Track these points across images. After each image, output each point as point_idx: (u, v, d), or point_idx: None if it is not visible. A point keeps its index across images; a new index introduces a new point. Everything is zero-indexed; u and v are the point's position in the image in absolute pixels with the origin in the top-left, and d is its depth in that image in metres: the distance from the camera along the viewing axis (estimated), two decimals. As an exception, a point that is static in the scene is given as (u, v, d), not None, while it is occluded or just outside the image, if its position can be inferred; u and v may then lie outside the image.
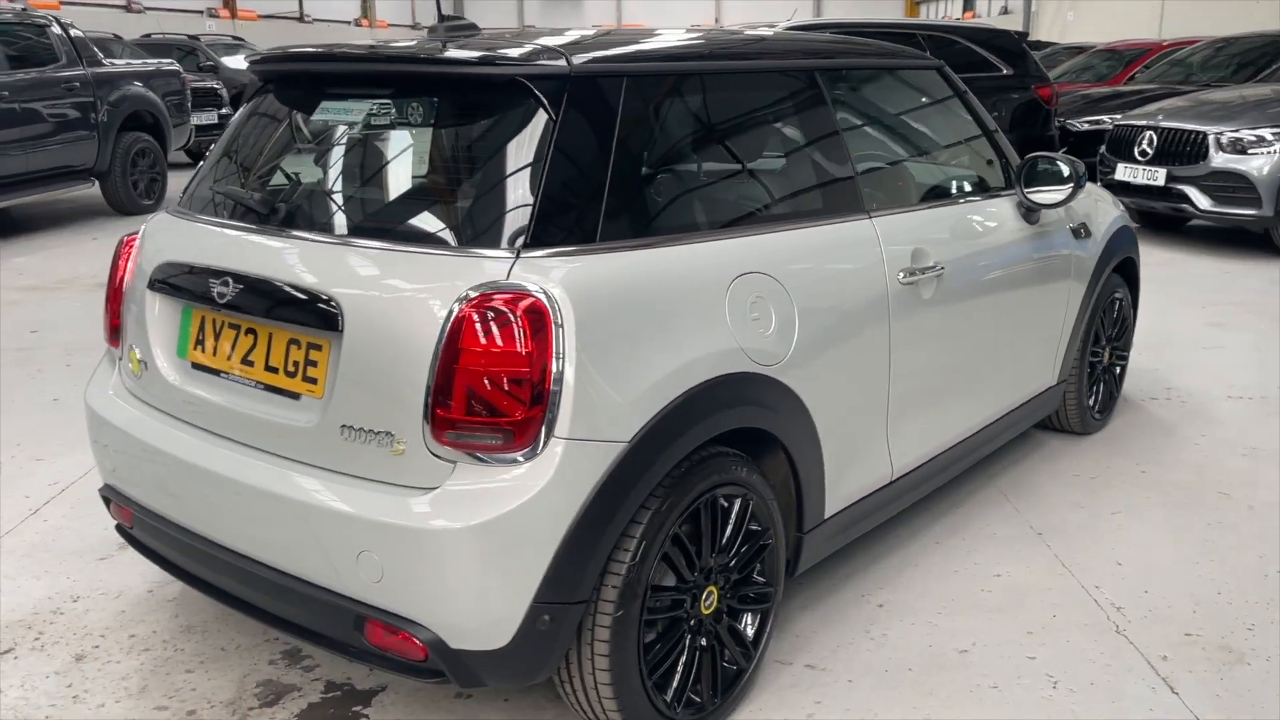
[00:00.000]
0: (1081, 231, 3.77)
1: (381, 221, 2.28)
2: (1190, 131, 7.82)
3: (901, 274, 2.79)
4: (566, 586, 2.03)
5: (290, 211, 2.38)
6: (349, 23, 30.17)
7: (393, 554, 2.03)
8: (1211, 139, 7.69)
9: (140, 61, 11.35)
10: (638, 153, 2.29)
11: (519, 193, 2.13)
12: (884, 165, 3.03)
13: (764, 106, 2.68)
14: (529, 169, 2.14)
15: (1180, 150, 7.83)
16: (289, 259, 2.24)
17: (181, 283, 2.44)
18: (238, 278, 2.27)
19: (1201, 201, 7.78)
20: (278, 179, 2.52)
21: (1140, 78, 12.12)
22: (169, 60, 12.08)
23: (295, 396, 2.24)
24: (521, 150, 2.16)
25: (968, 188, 3.31)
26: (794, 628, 2.80)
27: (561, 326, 1.99)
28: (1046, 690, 2.53)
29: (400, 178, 2.35)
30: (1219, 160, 7.66)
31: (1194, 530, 3.37)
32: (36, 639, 2.81)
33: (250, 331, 2.33)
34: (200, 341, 2.44)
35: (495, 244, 2.09)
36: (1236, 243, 8.28)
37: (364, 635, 2.13)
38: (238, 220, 2.44)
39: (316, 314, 2.15)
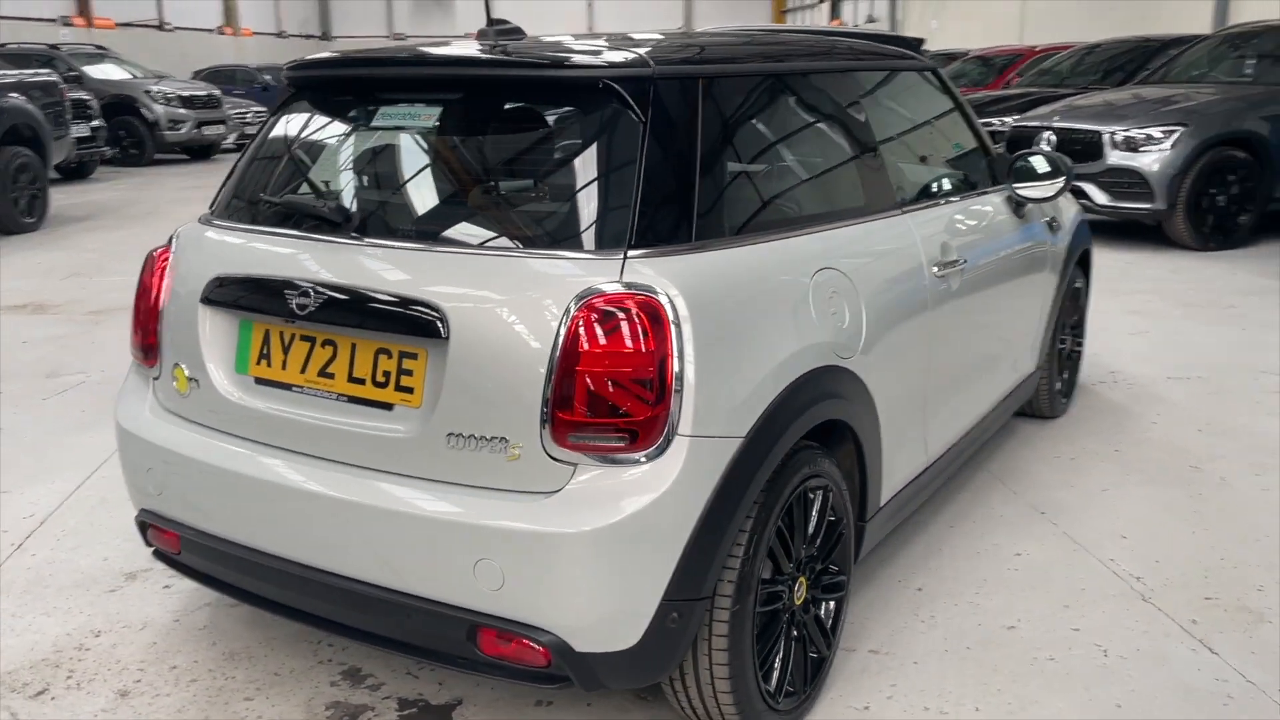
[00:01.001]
0: (1053, 225, 3.97)
1: (478, 227, 2.24)
2: (1086, 131, 8.26)
3: (935, 267, 2.90)
4: (693, 583, 2.05)
5: (370, 219, 2.32)
6: (212, 30, 29.13)
7: (517, 560, 2.01)
8: (1106, 138, 8.14)
9: (16, 72, 10.74)
10: (718, 152, 2.32)
11: (618, 194, 2.14)
12: (904, 163, 3.13)
13: (817, 107, 2.75)
14: (625, 171, 2.15)
15: (1077, 149, 8.26)
16: (381, 267, 2.19)
17: (244, 296, 2.35)
18: (320, 288, 2.21)
19: (1099, 197, 8.22)
20: (348, 186, 2.45)
21: (1016, 84, 12.73)
22: (46, 70, 11.49)
23: (387, 407, 2.19)
24: (615, 152, 2.17)
25: (968, 184, 3.45)
26: (848, 616, 2.86)
27: (677, 324, 2.01)
28: (1099, 659, 2.66)
29: (490, 182, 2.32)
30: (1114, 158, 8.11)
31: (1180, 503, 3.59)
32: (69, 677, 2.66)
33: (329, 343, 2.26)
34: (265, 355, 2.36)
35: (601, 246, 2.09)
36: (1132, 235, 8.78)
37: (477, 645, 2.10)
38: (306, 230, 2.37)
39: (415, 322, 2.11)
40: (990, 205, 3.47)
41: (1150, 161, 7.99)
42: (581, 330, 1.99)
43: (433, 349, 2.12)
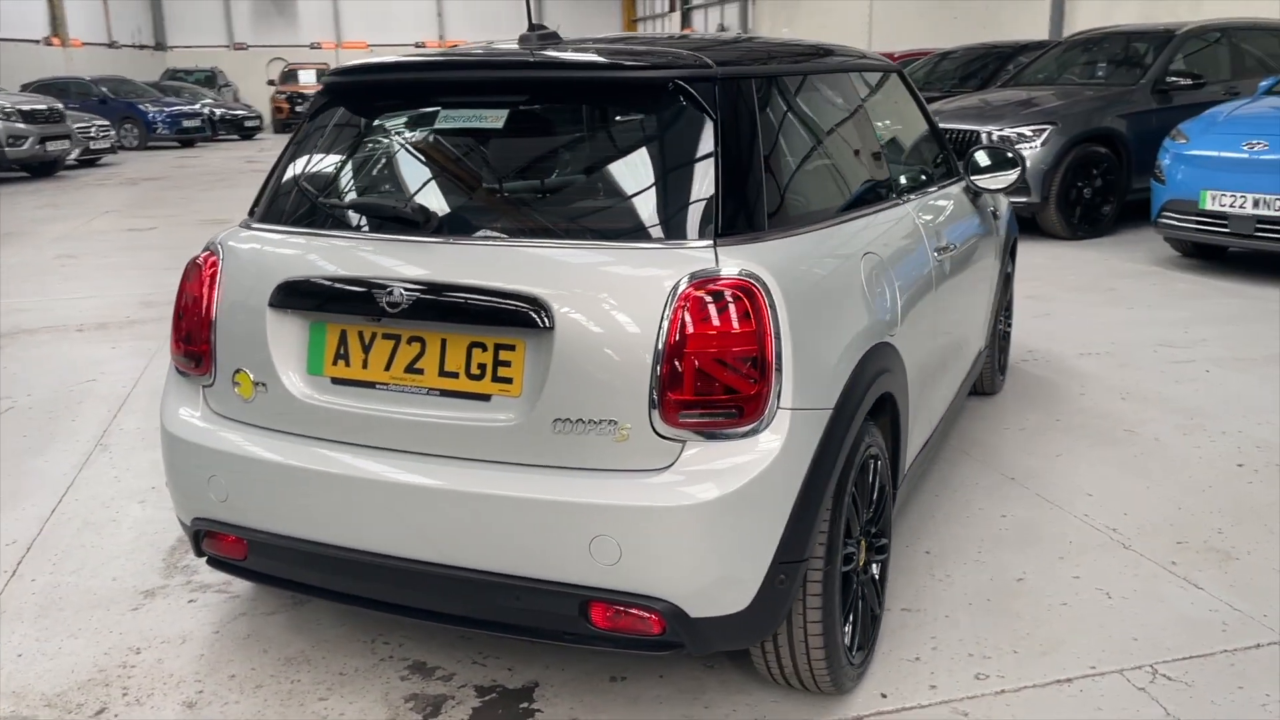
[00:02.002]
0: (995, 214, 4.29)
1: (569, 221, 2.33)
2: (967, 130, 8.79)
3: (936, 251, 3.14)
4: (796, 546, 2.20)
5: (453, 218, 2.39)
6: (38, 41, 27.57)
7: (635, 534, 2.12)
8: (984, 136, 8.68)
9: None
10: (775, 146, 2.48)
11: (700, 187, 2.28)
12: (896, 156, 3.37)
13: (838, 104, 2.95)
14: (704, 165, 2.29)
15: (960, 147, 8.76)
16: (475, 263, 2.26)
17: (319, 298, 2.38)
18: (413, 286, 2.26)
19: (979, 192, 8.75)
20: (422, 187, 2.50)
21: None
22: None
23: (484, 398, 2.26)
24: (693, 148, 2.31)
25: (937, 176, 3.72)
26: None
27: (773, 305, 2.16)
28: (1104, 600, 2.94)
29: (574, 178, 2.42)
30: (992, 155, 8.65)
31: (1127, 462, 3.94)
32: (124, 694, 2.62)
33: (416, 340, 2.32)
34: (343, 356, 2.39)
35: (692, 234, 2.23)
36: (1006, 227, 9.36)
37: (589, 620, 2.20)
38: (382, 231, 2.41)
39: (515, 315, 2.19)
40: (955, 195, 3.75)
41: (1025, 159, 8.54)
42: (688, 314, 2.11)
43: (531, 339, 2.21)
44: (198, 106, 25.23)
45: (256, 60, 34.17)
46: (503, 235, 2.33)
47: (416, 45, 33.89)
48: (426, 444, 2.31)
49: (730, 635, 2.22)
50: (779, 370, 2.15)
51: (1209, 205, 6.95)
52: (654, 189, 2.32)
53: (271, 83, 30.31)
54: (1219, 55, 9.51)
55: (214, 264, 2.58)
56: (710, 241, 2.21)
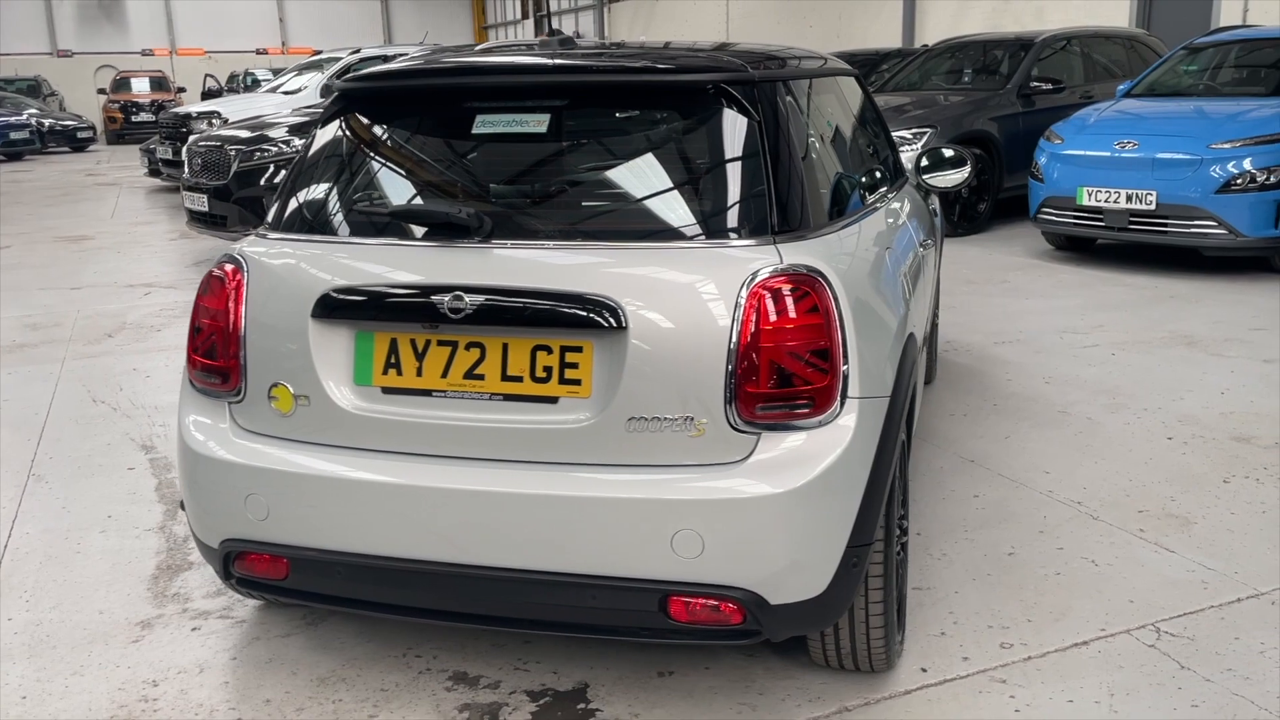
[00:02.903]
0: (934, 212, 4.51)
1: (627, 222, 2.36)
2: (852, 133, 9.12)
3: (919, 243, 3.30)
4: (866, 529, 2.29)
5: (508, 223, 2.38)
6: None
7: (718, 527, 2.17)
8: (868, 139, 9.03)
9: None
10: (806, 146, 2.58)
11: (753, 186, 2.35)
12: (876, 154, 3.52)
13: (840, 105, 3.07)
14: (753, 164, 2.36)
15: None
16: (540, 267, 2.27)
17: (369, 307, 2.34)
18: (476, 292, 2.25)
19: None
20: (470, 192, 2.48)
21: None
22: None
23: (552, 400, 2.27)
24: (740, 148, 2.38)
25: (896, 173, 3.89)
26: (875, 562, 3.20)
27: (836, 298, 2.25)
28: (1092, 568, 3.15)
29: (622, 181, 2.43)
30: (875, 156, 9.02)
31: (1071, 440, 4.21)
32: (156, 728, 2.51)
33: (474, 346, 2.31)
34: (394, 364, 2.36)
35: (751, 232, 2.30)
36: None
37: (668, 614, 2.24)
38: (430, 236, 2.39)
39: (585, 316, 2.21)
40: (911, 193, 3.93)
41: (909, 159, 8.93)
42: (759, 310, 2.18)
43: (601, 341, 2.23)
44: (24, 117, 23.74)
45: (83, 68, 32.36)
46: (563, 239, 2.34)
47: (258, 52, 32.78)
48: (490, 449, 2.30)
49: (806, 620, 2.29)
50: (846, 361, 2.24)
51: (1085, 201, 7.44)
52: (709, 189, 2.38)
53: (102, 91, 28.73)
54: (1072, 61, 10.16)
55: (239, 276, 2.50)
56: (769, 238, 2.29)
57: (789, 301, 2.19)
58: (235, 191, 8.22)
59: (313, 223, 2.55)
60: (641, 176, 2.44)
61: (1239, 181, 6.82)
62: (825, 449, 2.21)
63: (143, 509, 3.79)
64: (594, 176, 2.46)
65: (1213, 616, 2.86)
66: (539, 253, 2.32)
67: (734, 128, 2.41)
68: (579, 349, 2.26)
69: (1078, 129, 7.78)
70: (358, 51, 14.13)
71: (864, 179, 3.07)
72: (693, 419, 2.20)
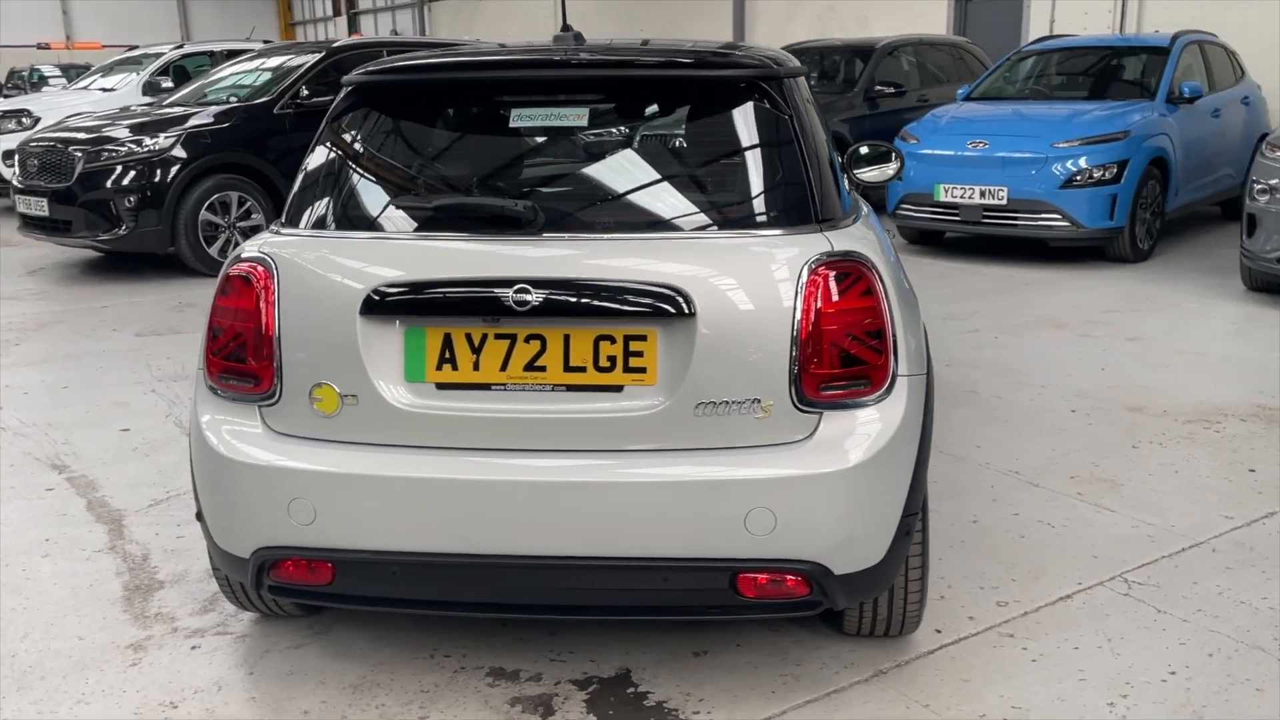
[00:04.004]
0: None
1: (681, 213, 2.41)
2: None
3: (889, 232, 3.50)
4: (915, 499, 2.44)
5: (561, 215, 2.39)
6: None
7: (790, 504, 2.27)
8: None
9: None
10: (825, 140, 2.70)
11: (794, 178, 2.46)
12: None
13: (813, 101, 3.21)
14: (792, 157, 2.48)
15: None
16: (603, 258, 2.30)
17: (427, 301, 2.31)
18: (540, 284, 2.26)
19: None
20: (516, 185, 2.47)
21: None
22: None
23: (616, 389, 2.31)
24: (778, 141, 2.49)
25: (837, 171, 4.09)
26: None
27: (882, 282, 2.38)
28: (1049, 530, 3.42)
29: (670, 173, 2.48)
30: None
31: (990, 417, 4.52)
32: (195, 749, 2.39)
33: (534, 338, 2.32)
34: (449, 360, 2.34)
35: (800, 220, 2.41)
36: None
37: (738, 590, 2.32)
38: (482, 230, 2.38)
39: (652, 305, 2.26)
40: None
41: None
42: (820, 294, 2.29)
43: (666, 328, 2.29)
44: None
45: None
46: (616, 230, 2.38)
47: (40, 46, 30.43)
48: (554, 440, 2.32)
49: (865, 587, 2.41)
50: (894, 341, 2.38)
51: (942, 197, 7.93)
52: (753, 181, 2.48)
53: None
54: (907, 67, 10.78)
55: (267, 276, 2.41)
56: (815, 227, 2.40)
57: (846, 285, 2.31)
58: (81, 195, 7.70)
59: (347, 219, 2.49)
60: (686, 169, 2.51)
61: (1079, 178, 7.43)
62: (883, 425, 2.34)
63: (81, 530, 3.56)
64: (637, 169, 2.51)
65: (1167, 566, 3.17)
66: (597, 244, 2.35)
67: (772, 121, 2.51)
68: (643, 337, 2.31)
69: (931, 130, 8.28)
70: (180, 46, 13.44)
71: (840, 171, 3.23)
72: (759, 401, 2.29)
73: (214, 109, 8.25)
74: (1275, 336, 5.71)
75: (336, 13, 29.76)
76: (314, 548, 2.38)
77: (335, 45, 8.93)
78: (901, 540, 2.41)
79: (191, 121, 8.04)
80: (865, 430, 2.33)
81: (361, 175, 2.56)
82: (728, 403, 2.29)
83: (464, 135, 2.58)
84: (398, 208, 2.49)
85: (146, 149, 7.75)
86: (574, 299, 2.27)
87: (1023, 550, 3.27)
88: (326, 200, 2.54)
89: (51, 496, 3.85)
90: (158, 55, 13.17)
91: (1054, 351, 5.51)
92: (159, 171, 7.72)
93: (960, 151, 7.89)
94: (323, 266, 2.40)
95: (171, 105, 8.87)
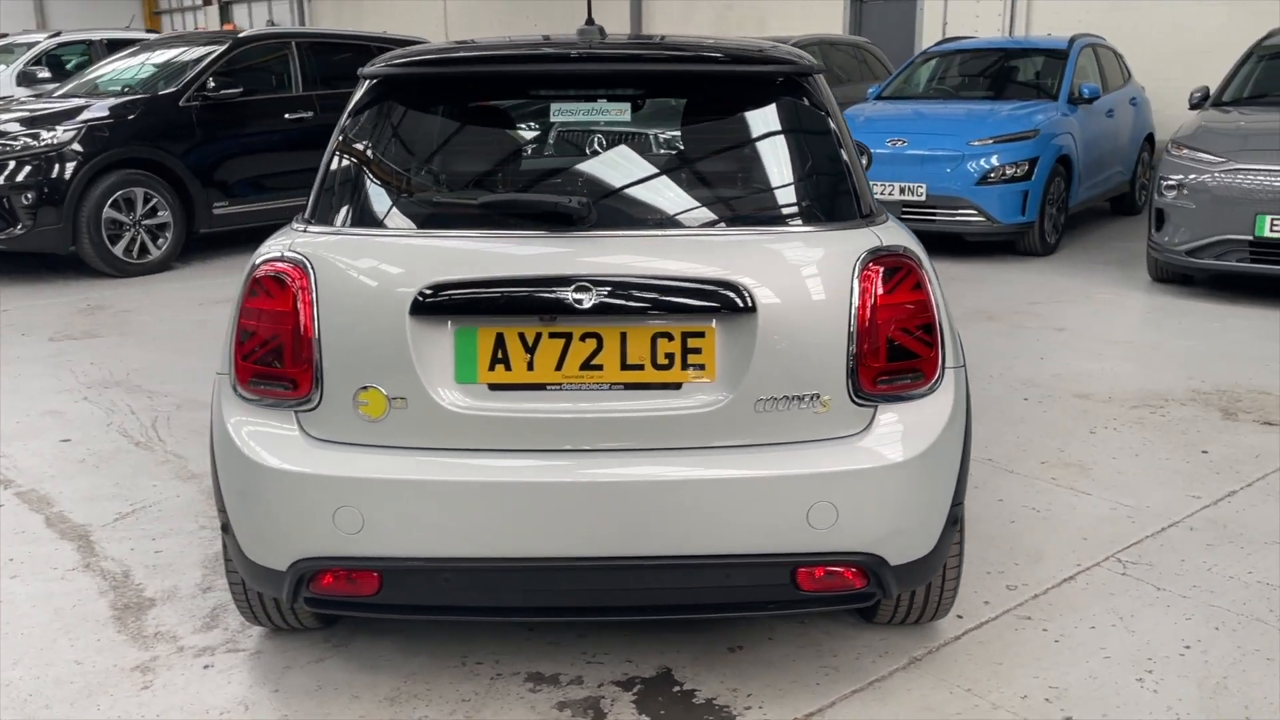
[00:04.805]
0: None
1: (730, 209, 2.41)
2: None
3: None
4: (961, 488, 2.49)
5: (613, 211, 2.35)
6: None
7: (852, 497, 2.29)
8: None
9: None
10: (851, 136, 2.73)
11: (837, 173, 2.49)
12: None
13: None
14: (834, 153, 2.51)
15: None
16: (662, 254, 2.28)
17: (482, 301, 2.24)
18: (601, 282, 2.23)
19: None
20: (562, 181, 2.42)
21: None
22: None
23: (675, 386, 2.30)
24: (819, 137, 2.52)
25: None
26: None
27: (928, 276, 2.43)
28: (1037, 515, 3.54)
29: (718, 169, 2.48)
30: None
31: (979, 409, 4.63)
32: (238, 773, 2.28)
33: (590, 336, 2.28)
34: (501, 360, 2.28)
35: (847, 216, 2.44)
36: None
37: (797, 585, 2.34)
38: (533, 227, 2.32)
39: (712, 301, 2.25)
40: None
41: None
42: (875, 288, 2.32)
43: (725, 324, 2.28)
44: None
45: None
46: (669, 226, 2.37)
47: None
48: (611, 439, 2.29)
49: (916, 577, 2.45)
50: (942, 333, 2.42)
51: (862, 193, 8.10)
52: (798, 176, 2.50)
53: None
54: (813, 64, 10.96)
55: (303, 276, 2.31)
56: (860, 222, 2.43)
57: (897, 279, 2.34)
58: (-32, 192, 7.23)
59: (386, 217, 2.40)
60: (731, 164, 2.51)
61: (993, 175, 7.70)
62: (935, 416, 2.38)
63: (47, 548, 3.35)
64: (683, 165, 2.50)
65: (1153, 545, 3.31)
66: (651, 240, 2.33)
67: (811, 117, 2.53)
68: (701, 334, 2.29)
69: (850, 128, 8.44)
70: (57, 34, 12.76)
71: None
72: (818, 395, 2.30)
73: (111, 101, 7.85)
74: (1189, 325, 6.04)
75: (206, 1, 28.65)
76: (361, 557, 2.30)
77: (241, 36, 8.62)
78: (950, 529, 2.45)
79: (88, 114, 7.62)
80: (919, 422, 2.36)
81: (396, 171, 2.47)
82: (788, 398, 2.29)
83: (501, 130, 2.52)
84: (440, 204, 2.42)
85: (44, 143, 7.32)
86: (634, 297, 2.24)
87: (1016, 535, 3.38)
88: (359, 197, 2.44)
89: (3, 513, 3.61)
90: (29, 44, 12.47)
91: (992, 343, 5.69)
92: (57, 167, 7.30)
93: (880, 149, 8.06)
94: (365, 266, 2.31)
95: (64, 97, 8.40)
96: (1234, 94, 7.49)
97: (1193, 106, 7.54)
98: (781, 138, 2.52)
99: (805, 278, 2.31)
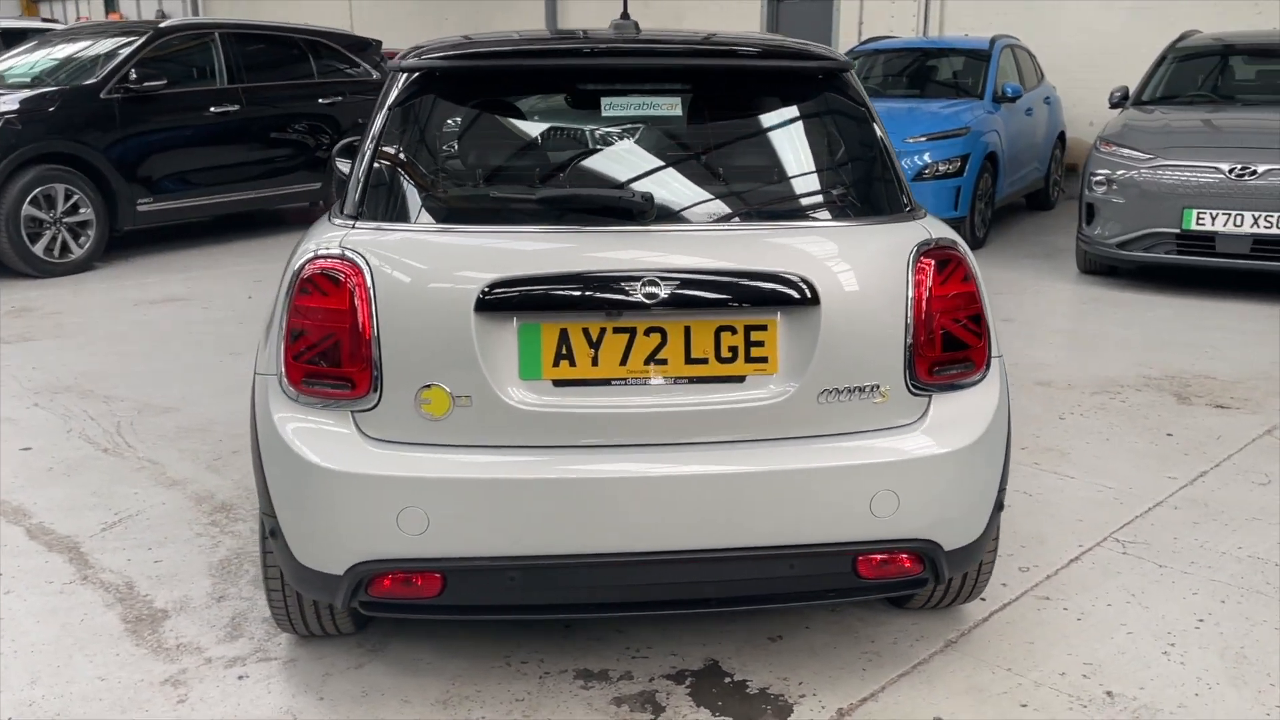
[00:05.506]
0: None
1: (787, 203, 2.44)
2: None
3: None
4: (1005, 474, 2.56)
5: (674, 206, 2.35)
6: None
7: (911, 485, 2.34)
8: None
9: None
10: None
11: (883, 168, 2.54)
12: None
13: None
14: (877, 148, 2.55)
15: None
16: (726, 248, 2.29)
17: (548, 297, 2.22)
18: (668, 276, 2.23)
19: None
20: (621, 176, 2.40)
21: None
22: None
23: (738, 379, 2.31)
24: (860, 130, 2.56)
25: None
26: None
27: (973, 267, 2.49)
28: (1031, 499, 3.66)
29: (772, 163, 2.48)
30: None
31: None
32: (303, 785, 2.21)
33: (654, 331, 2.28)
34: (565, 356, 2.27)
35: (893, 211, 2.49)
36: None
37: (857, 573, 2.38)
38: (595, 222, 2.31)
39: (777, 294, 2.28)
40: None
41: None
42: (929, 280, 2.37)
43: (788, 317, 2.31)
44: None
45: None
46: (729, 220, 2.38)
47: None
48: (675, 433, 2.30)
49: (966, 560, 2.51)
50: (988, 323, 2.49)
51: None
52: (848, 171, 2.55)
53: None
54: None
55: (358, 273, 2.25)
56: (907, 215, 2.48)
57: (949, 271, 2.40)
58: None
59: (440, 212, 2.36)
60: (782, 159, 2.52)
61: (927, 171, 7.90)
62: (986, 404, 2.45)
63: (36, 560, 3.19)
64: (736, 159, 2.51)
65: (1145, 525, 3.46)
66: (714, 235, 2.34)
67: (853, 112, 2.57)
68: (764, 327, 2.31)
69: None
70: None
71: None
72: (878, 386, 2.35)
73: (23, 93, 7.48)
74: (1125, 314, 6.30)
75: (92, -9, 27.46)
76: (426, 558, 2.26)
77: (162, 26, 8.30)
78: (996, 514, 2.53)
79: (0, 107, 7.25)
80: (973, 410, 2.43)
81: (446, 167, 2.43)
82: (850, 389, 2.33)
83: (549, 124, 2.50)
84: (497, 200, 2.38)
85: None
86: (699, 291, 2.25)
87: (1016, 518, 3.49)
88: (409, 193, 2.40)
89: (-23, 526, 3.43)
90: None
91: (946, 334, 5.84)
92: (-31, 163, 6.94)
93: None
94: (425, 263, 2.26)
95: (-29, 89, 7.98)
96: (1152, 94, 7.83)
97: (1113, 105, 7.86)
98: (828, 132, 2.56)
99: (864, 271, 2.34)
